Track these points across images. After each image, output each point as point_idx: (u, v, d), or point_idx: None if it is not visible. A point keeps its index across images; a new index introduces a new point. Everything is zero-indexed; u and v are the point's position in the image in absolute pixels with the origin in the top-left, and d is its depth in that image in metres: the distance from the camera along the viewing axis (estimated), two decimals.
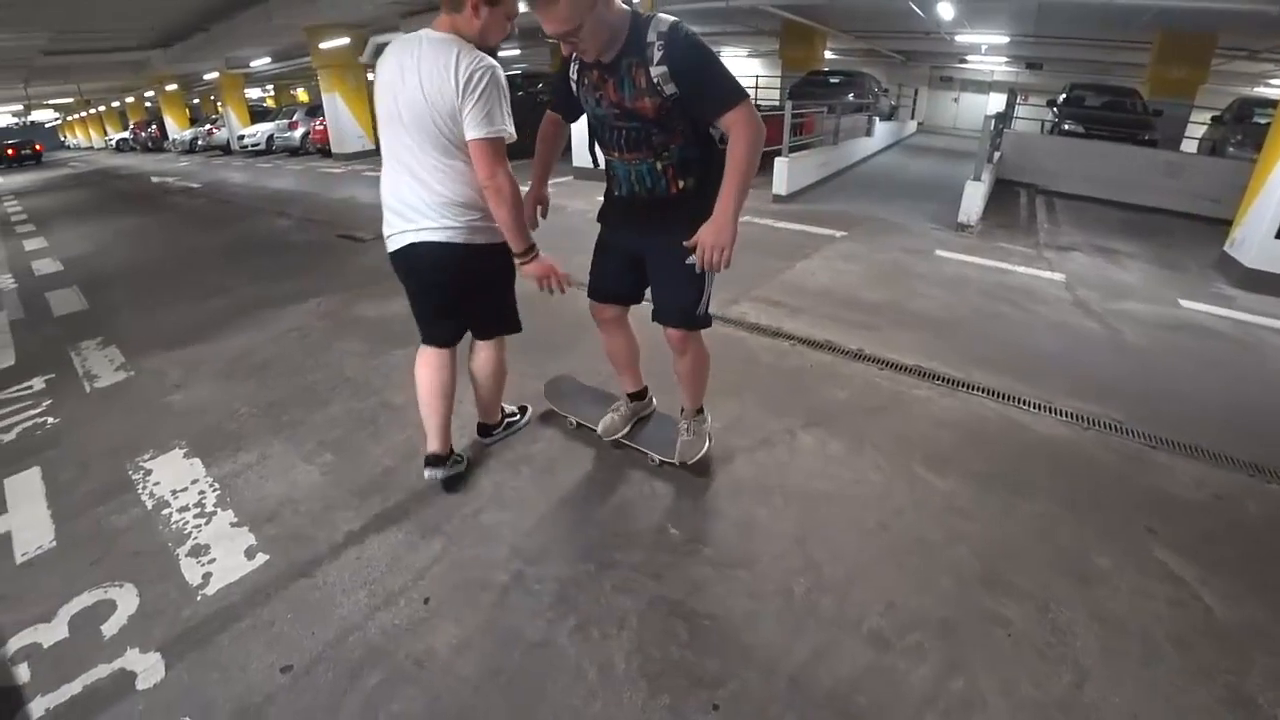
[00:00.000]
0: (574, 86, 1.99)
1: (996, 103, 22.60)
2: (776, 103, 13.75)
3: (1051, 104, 11.31)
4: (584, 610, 1.84)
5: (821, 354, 3.56)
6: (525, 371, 3.05)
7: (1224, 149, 9.20)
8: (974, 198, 6.79)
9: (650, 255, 2.12)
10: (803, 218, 7.04)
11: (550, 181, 2.36)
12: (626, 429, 2.58)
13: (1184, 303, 4.93)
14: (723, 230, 1.76)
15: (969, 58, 20.99)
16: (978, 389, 3.23)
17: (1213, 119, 10.60)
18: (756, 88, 16.97)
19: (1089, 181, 8.96)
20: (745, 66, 23.23)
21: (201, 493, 2.43)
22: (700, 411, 2.45)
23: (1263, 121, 9.68)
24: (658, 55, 1.74)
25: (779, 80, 16.61)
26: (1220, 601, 1.99)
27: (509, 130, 1.89)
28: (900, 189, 9.44)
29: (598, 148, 2.10)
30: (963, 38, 15.20)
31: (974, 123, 23.14)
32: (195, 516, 2.30)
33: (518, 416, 2.78)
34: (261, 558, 2.08)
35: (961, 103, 24.11)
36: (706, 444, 2.43)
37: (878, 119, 12.41)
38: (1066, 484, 2.52)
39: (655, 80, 1.77)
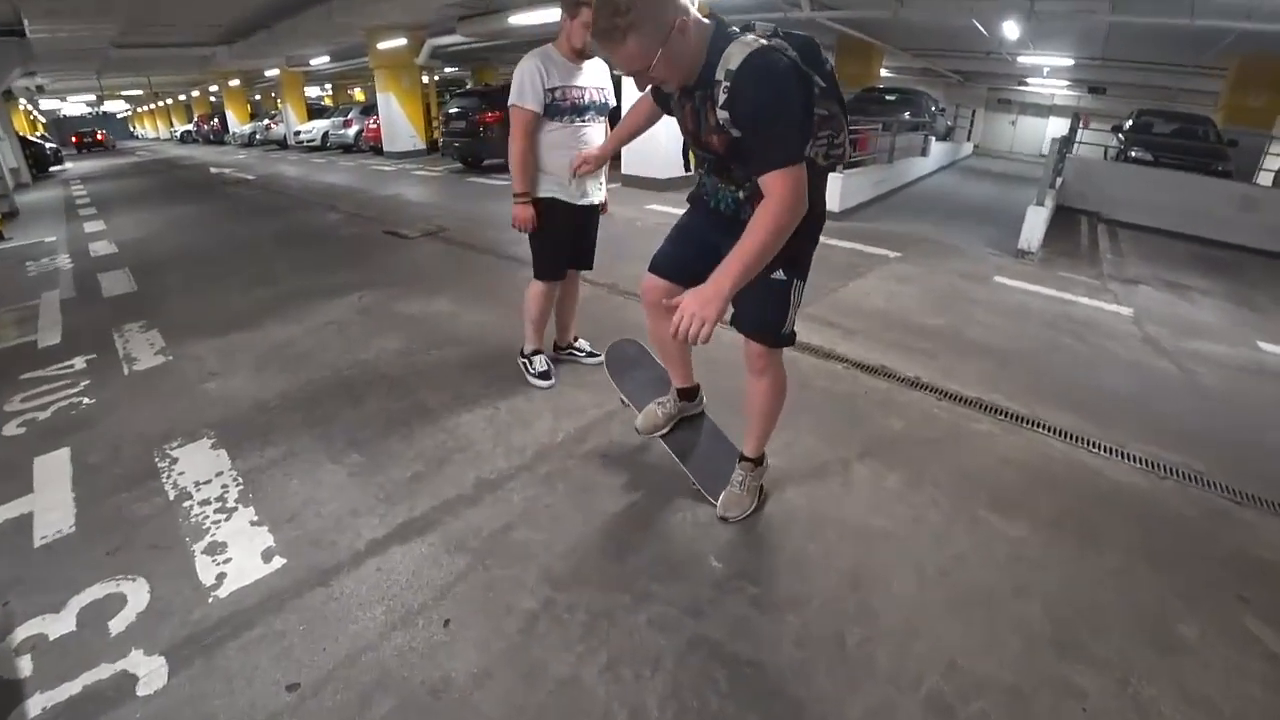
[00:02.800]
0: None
1: (1056, 127, 21.96)
2: None
3: (1117, 130, 10.85)
4: (616, 646, 1.69)
5: (876, 380, 3.37)
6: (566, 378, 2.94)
7: None
8: (1036, 224, 6.49)
9: None
10: (856, 236, 6.83)
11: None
12: (667, 428, 2.43)
13: (1264, 345, 4.60)
14: (709, 302, 1.48)
15: (1029, 80, 20.41)
16: (1043, 426, 3.00)
17: None
18: None
19: (1155, 212, 8.53)
20: None
21: (224, 486, 2.37)
22: (760, 462, 2.27)
23: None
24: (722, 98, 1.57)
25: None
26: None
27: (518, 103, 2.62)
28: (956, 211, 9.14)
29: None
30: (1025, 59, 14.74)
31: (1030, 147, 22.72)
32: (216, 511, 2.23)
33: (581, 354, 3.36)
34: (278, 561, 1.99)
35: (1019, 126, 23.45)
36: (753, 504, 2.25)
37: (933, 139, 12.09)
38: (1145, 538, 2.29)
39: (720, 123, 1.62)
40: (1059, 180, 8.61)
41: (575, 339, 3.37)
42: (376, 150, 16.45)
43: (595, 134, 2.82)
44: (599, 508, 2.26)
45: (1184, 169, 9.00)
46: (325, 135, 18.72)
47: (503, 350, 3.48)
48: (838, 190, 7.69)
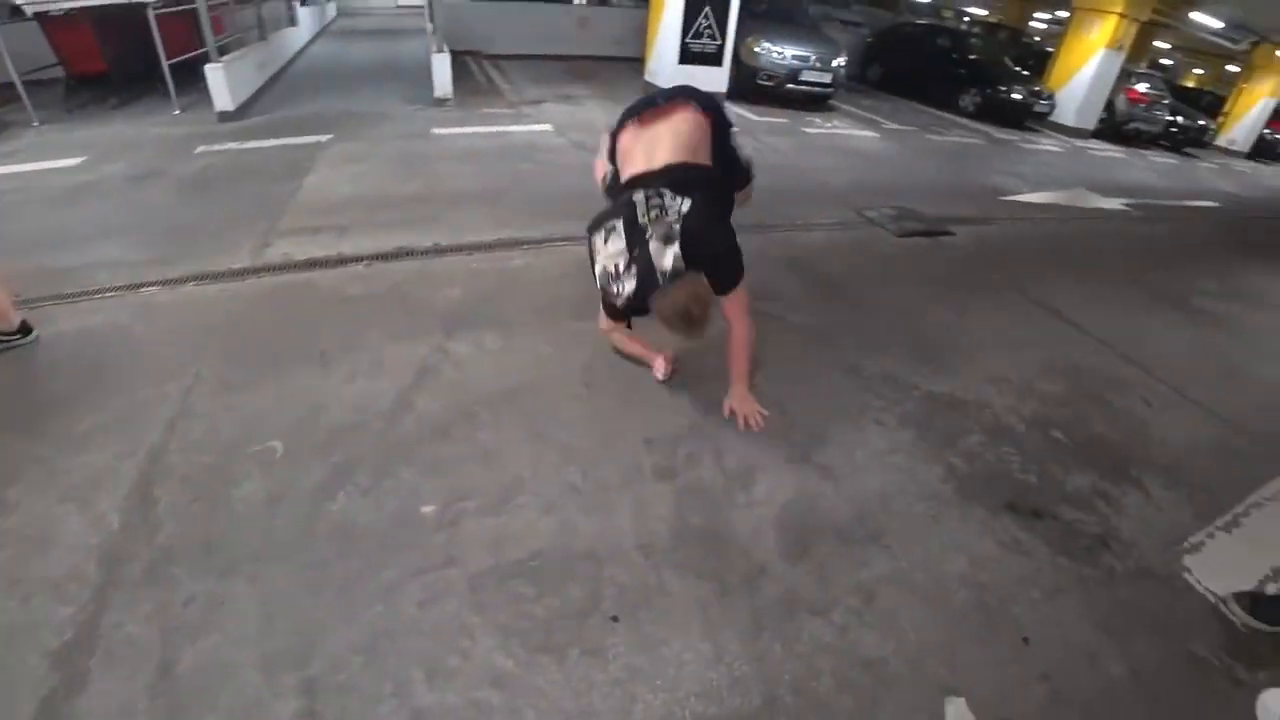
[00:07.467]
0: None
1: None
2: None
3: None
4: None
5: (403, 263, 3.19)
6: None
7: None
8: (443, 71, 6.71)
9: None
10: (270, 131, 5.93)
11: None
12: None
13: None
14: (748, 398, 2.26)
15: None
16: (561, 239, 3.39)
17: None
18: None
19: (521, 40, 9.75)
20: None
21: None
22: None
23: None
24: None
25: None
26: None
27: None
28: (356, 77, 8.69)
29: None
30: None
31: (386, 2, 22.50)
32: None
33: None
34: None
35: None
36: None
37: (298, 4, 10.94)
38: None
39: None
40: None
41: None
42: None
43: None
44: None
45: None
46: None
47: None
48: (224, 86, 6.46)
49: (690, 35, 7.31)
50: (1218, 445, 2.57)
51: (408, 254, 3.26)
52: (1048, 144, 9.60)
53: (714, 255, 1.97)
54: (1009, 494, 2.10)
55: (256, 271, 3.03)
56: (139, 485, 1.83)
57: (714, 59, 7.57)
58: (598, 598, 1.58)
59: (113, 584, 1.56)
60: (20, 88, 6.06)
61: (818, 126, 7.55)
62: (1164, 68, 22.96)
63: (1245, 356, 3.42)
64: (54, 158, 4.69)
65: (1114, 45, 10.38)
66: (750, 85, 8.05)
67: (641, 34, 8.37)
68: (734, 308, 2.09)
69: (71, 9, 6.92)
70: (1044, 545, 1.91)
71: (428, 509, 1.79)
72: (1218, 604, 1.80)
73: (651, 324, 2.03)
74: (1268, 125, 14.57)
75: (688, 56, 7.40)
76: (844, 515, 1.92)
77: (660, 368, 2.32)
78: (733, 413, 2.22)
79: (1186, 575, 1.89)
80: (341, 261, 3.21)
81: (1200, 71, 24.50)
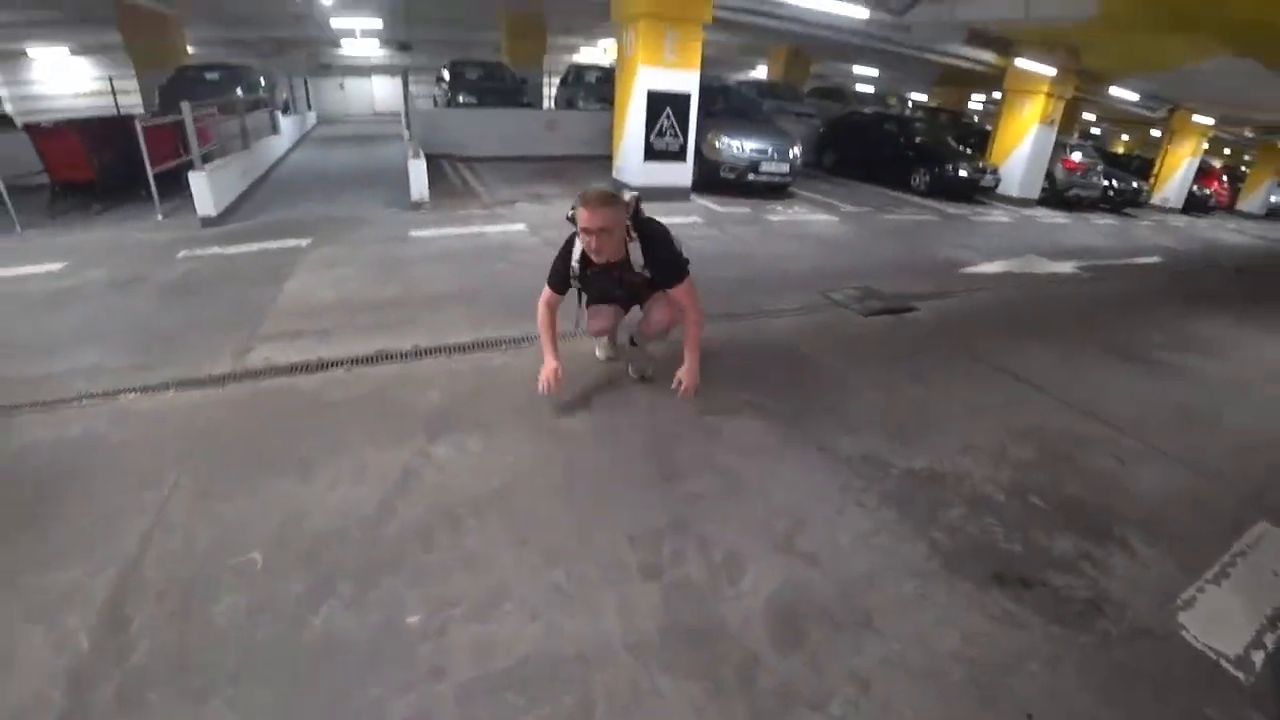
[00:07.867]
0: None
1: (380, 85, 23.61)
2: (140, 107, 11.39)
3: (440, 80, 12.41)
4: None
5: (383, 366, 3.23)
6: None
7: (576, 103, 11.69)
8: (419, 175, 6.98)
9: None
10: (252, 235, 6.03)
11: None
12: None
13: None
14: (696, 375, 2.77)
15: (344, 42, 20.79)
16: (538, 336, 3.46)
17: (561, 81, 13.39)
18: (114, 93, 13.21)
19: (492, 144, 10.21)
20: (74, 67, 18.72)
21: None
22: None
23: (592, 80, 12.68)
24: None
25: (136, 81, 13.43)
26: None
27: None
28: (337, 183, 8.98)
29: None
30: (336, 21, 14.78)
31: (363, 108, 23.61)
32: None
33: None
34: None
35: (348, 89, 24.13)
36: None
37: (279, 114, 11.41)
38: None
39: None
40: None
41: None
42: None
43: None
44: None
45: (500, 106, 10.97)
46: None
47: None
48: (208, 192, 6.63)
49: (654, 134, 7.74)
50: (1192, 495, 2.63)
51: (388, 357, 3.31)
52: (998, 215, 10.13)
53: (658, 251, 2.58)
54: (995, 565, 2.11)
55: (237, 377, 3.04)
56: (111, 602, 1.78)
57: (678, 156, 8.00)
58: (589, 704, 1.55)
59: (81, 710, 1.49)
60: (3, 193, 6.17)
61: (779, 214, 7.92)
62: (1094, 137, 24.66)
63: (1202, 404, 3.55)
64: (36, 263, 4.74)
65: (1045, 121, 11.22)
66: (714, 178, 8.50)
67: (608, 134, 8.86)
68: (683, 295, 2.65)
69: (59, 121, 7.13)
70: (1035, 615, 1.92)
71: (413, 619, 1.76)
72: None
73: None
74: (1195, 182, 15.68)
75: (652, 154, 7.82)
76: (833, 600, 1.91)
77: (544, 378, 2.64)
78: (680, 382, 2.72)
79: (1183, 633, 1.90)
80: (322, 366, 3.23)
81: (1127, 138, 26.30)
